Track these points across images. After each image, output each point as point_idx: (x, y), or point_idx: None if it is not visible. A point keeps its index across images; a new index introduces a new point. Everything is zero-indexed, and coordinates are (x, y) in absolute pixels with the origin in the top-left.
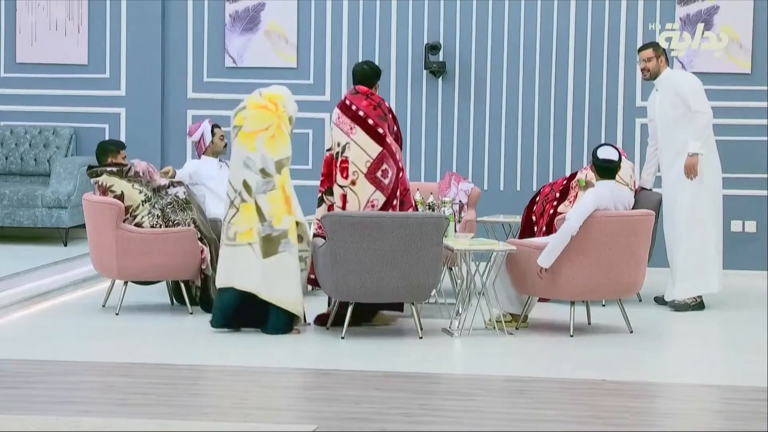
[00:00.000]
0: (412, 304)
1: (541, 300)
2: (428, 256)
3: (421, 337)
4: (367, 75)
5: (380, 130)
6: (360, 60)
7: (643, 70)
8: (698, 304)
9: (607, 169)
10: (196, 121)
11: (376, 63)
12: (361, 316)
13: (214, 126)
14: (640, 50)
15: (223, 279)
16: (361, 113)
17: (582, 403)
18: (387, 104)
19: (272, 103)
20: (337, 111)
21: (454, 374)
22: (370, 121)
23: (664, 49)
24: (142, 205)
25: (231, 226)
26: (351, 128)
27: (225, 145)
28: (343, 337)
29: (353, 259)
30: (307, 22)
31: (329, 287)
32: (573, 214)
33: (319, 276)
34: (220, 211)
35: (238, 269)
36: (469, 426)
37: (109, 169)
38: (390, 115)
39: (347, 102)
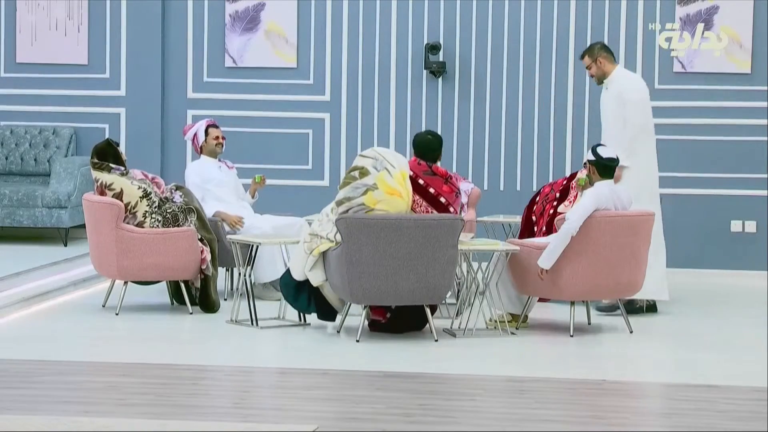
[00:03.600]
0: (427, 306)
1: (541, 300)
2: (444, 258)
3: (436, 340)
4: (434, 147)
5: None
6: (360, 60)
7: (590, 76)
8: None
9: (608, 168)
10: (196, 120)
11: (376, 63)
12: (412, 326)
13: (210, 126)
14: (581, 56)
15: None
16: (442, 200)
17: (582, 403)
18: (450, 174)
19: (403, 186)
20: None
21: (454, 374)
22: (451, 209)
23: (602, 48)
24: (140, 201)
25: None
26: (427, 210)
27: (218, 145)
28: (358, 341)
29: (369, 261)
30: (307, 22)
31: (342, 290)
32: (573, 215)
33: (330, 279)
34: (220, 210)
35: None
36: (469, 426)
37: (114, 167)
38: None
39: (422, 182)
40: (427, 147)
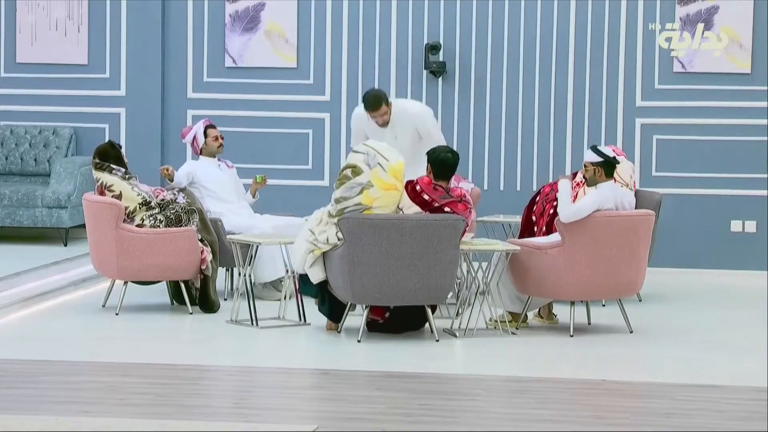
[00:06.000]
0: (427, 306)
1: (545, 318)
2: (446, 258)
3: (437, 340)
4: (453, 164)
5: None
6: (360, 60)
7: (382, 124)
8: None
9: (613, 167)
10: (196, 121)
11: (376, 63)
12: (410, 326)
13: (208, 127)
14: (374, 108)
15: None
16: None
17: (582, 403)
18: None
19: (399, 179)
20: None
21: (454, 374)
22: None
23: (386, 94)
24: (139, 208)
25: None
26: None
27: (219, 146)
28: (359, 341)
29: (371, 261)
30: (307, 22)
31: (344, 290)
32: (584, 204)
33: (332, 279)
34: (219, 210)
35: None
36: (469, 426)
37: (116, 168)
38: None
39: (437, 204)
40: (446, 165)
